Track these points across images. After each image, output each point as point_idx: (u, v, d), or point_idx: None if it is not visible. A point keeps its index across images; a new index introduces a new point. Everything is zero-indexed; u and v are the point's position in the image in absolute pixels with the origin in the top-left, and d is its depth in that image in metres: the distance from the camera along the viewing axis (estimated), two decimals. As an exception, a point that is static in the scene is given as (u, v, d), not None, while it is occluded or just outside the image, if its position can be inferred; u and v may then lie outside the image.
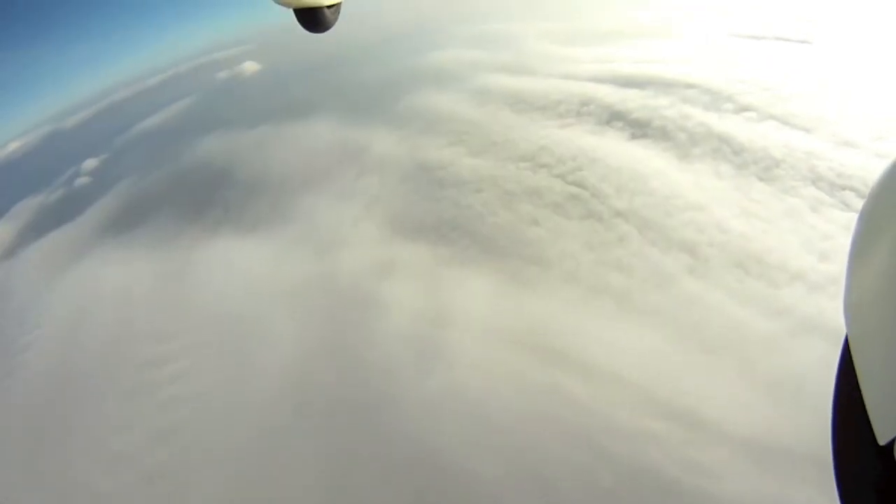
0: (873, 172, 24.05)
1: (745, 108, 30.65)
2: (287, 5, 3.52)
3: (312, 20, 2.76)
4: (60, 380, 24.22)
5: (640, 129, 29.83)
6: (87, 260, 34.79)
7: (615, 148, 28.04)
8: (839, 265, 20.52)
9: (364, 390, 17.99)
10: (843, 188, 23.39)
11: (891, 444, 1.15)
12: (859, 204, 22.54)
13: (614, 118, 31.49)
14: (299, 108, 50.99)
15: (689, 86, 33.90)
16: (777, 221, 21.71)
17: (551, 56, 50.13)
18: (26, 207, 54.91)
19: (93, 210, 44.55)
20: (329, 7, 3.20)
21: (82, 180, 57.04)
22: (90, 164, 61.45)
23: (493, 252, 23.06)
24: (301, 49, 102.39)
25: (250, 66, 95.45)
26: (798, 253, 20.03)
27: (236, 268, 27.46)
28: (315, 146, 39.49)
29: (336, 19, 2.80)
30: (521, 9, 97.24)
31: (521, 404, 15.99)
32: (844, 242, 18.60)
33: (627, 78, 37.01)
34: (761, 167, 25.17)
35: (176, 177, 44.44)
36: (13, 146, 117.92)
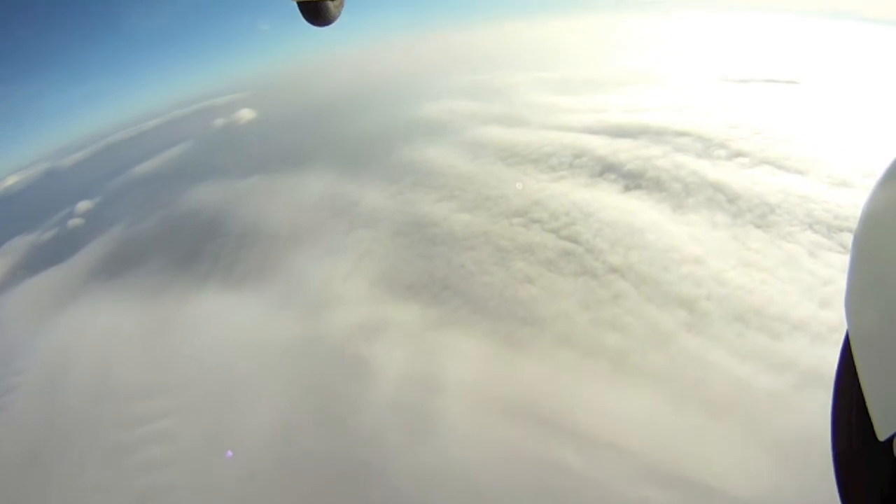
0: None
1: (737, 154, 31.29)
2: None
3: (316, 14, 2.81)
4: (40, 432, 23.84)
5: (633, 180, 30.37)
6: (75, 304, 34.92)
7: (609, 201, 28.48)
8: (840, 312, 20.41)
9: (350, 460, 17.76)
10: (841, 230, 23.71)
11: (890, 439, 1.21)
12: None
13: (607, 170, 32.09)
14: (293, 159, 51.98)
15: (682, 133, 34.69)
16: (776, 270, 21.91)
17: (544, 106, 51.47)
18: (19, 245, 56.16)
19: (84, 253, 45.17)
20: (333, 0, 3.27)
21: (75, 221, 58.22)
22: (84, 205, 63.00)
23: (485, 313, 23.05)
24: (296, 97, 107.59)
25: (246, 114, 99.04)
26: (798, 302, 20.17)
27: (223, 324, 27.37)
28: (307, 199, 39.91)
29: (339, 13, 2.85)
30: (514, 58, 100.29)
31: (513, 476, 15.73)
32: (845, 287, 18.85)
33: (620, 128, 37.90)
34: (757, 214, 25.55)
35: (167, 225, 44.87)
36: (11, 180, 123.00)
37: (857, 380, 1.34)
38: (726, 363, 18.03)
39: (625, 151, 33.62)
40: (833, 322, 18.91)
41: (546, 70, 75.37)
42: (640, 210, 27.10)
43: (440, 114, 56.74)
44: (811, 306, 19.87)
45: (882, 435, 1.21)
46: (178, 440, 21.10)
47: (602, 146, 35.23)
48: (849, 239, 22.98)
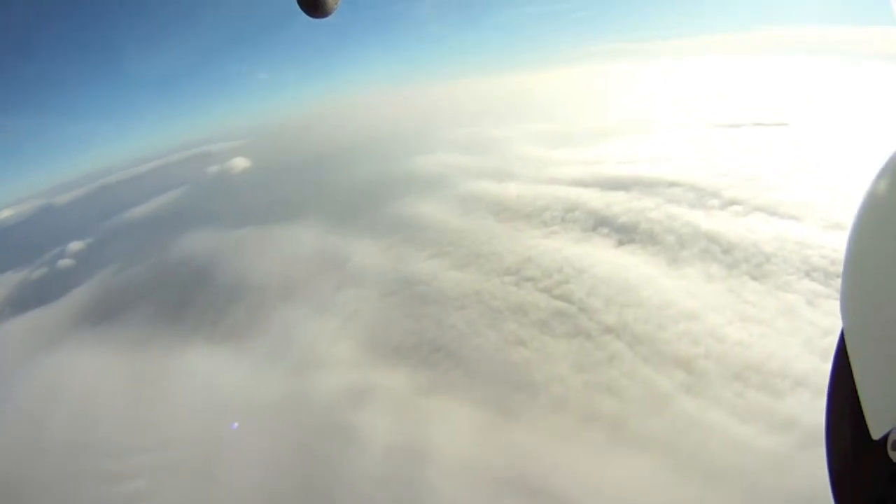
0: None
1: (731, 203, 31.83)
2: None
3: (313, 4, 2.69)
4: (14, 483, 23.22)
5: (626, 234, 30.84)
6: (59, 349, 34.74)
7: (602, 256, 28.84)
8: None
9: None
10: (838, 276, 23.73)
11: (884, 438, 1.23)
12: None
13: (600, 224, 32.59)
14: (285, 210, 52.76)
15: (674, 184, 35.39)
16: (774, 322, 22.01)
17: (535, 159, 52.62)
18: (9, 281, 57.28)
19: (73, 295, 45.57)
20: None
21: (66, 262, 59.40)
22: (76, 246, 64.39)
23: (476, 377, 22.89)
24: (291, 147, 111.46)
25: (240, 163, 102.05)
26: (799, 355, 20.19)
27: (208, 382, 27.12)
28: (297, 253, 40.11)
29: (337, 5, 2.73)
30: (506, 110, 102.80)
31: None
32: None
33: (612, 180, 38.66)
34: (753, 264, 25.83)
35: (157, 273, 45.19)
36: (5, 213, 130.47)
37: (852, 378, 1.38)
38: (726, 425, 17.92)
39: (617, 204, 34.23)
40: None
41: (538, 122, 77.31)
42: (634, 265, 27.41)
43: (433, 167, 57.85)
44: (812, 359, 19.87)
45: (876, 433, 1.25)
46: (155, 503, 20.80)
47: (594, 199, 35.86)
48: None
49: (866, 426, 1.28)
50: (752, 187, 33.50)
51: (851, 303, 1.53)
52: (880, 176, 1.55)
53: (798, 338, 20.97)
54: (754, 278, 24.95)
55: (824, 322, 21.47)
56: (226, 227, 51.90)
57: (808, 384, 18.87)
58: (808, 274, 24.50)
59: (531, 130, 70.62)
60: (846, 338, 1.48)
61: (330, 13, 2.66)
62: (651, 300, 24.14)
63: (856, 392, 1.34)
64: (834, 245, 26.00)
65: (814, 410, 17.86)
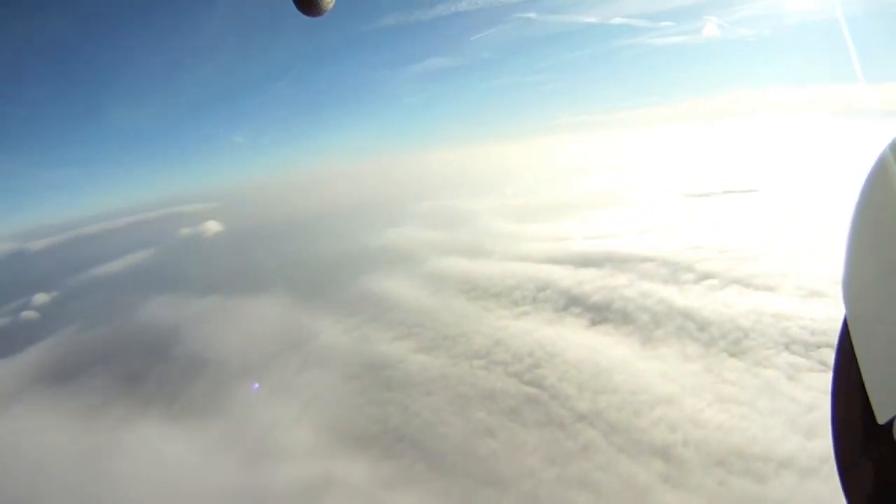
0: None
1: (705, 276, 32.60)
2: None
3: (308, 3, 2.75)
4: None
5: (599, 313, 31.22)
6: (11, 408, 34.35)
7: (574, 338, 29.04)
8: (828, 440, 20.44)
9: None
10: (818, 346, 24.38)
11: (890, 423, 1.23)
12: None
13: (572, 303, 32.99)
14: (252, 280, 53.20)
15: (647, 259, 36.23)
16: (755, 402, 22.18)
17: (506, 234, 53.67)
18: None
19: (33, 351, 45.89)
20: None
21: (29, 314, 60.75)
22: (41, 298, 66.24)
23: (441, 470, 22.35)
24: (263, 214, 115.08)
25: (212, 226, 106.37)
26: (782, 435, 20.27)
27: (160, 460, 26.36)
28: (261, 328, 39.85)
29: (331, 4, 2.80)
30: (477, 182, 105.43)
31: None
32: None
33: (583, 256, 39.44)
34: (730, 341, 26.24)
35: (119, 337, 44.75)
36: None
37: (856, 364, 1.39)
38: (710, 518, 17.74)
39: (589, 282, 34.79)
40: (822, 453, 18.91)
41: (508, 195, 79.29)
42: (607, 347, 27.63)
43: (403, 241, 58.74)
44: (796, 438, 19.97)
45: (881, 418, 1.25)
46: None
47: (566, 277, 36.41)
48: (828, 355, 23.55)
49: (871, 411, 1.29)
50: (725, 259, 34.45)
51: (853, 289, 1.55)
52: (881, 158, 1.55)
53: (780, 417, 21.14)
54: (732, 355, 25.29)
55: (806, 397, 21.76)
56: (192, 295, 52.35)
57: (794, 465, 18.91)
58: (787, 347, 24.96)
59: (501, 203, 72.61)
60: (849, 325, 1.49)
61: (324, 12, 2.75)
62: (625, 385, 24.21)
63: (860, 377, 1.36)
64: (812, 315, 26.70)
65: (801, 493, 17.85)
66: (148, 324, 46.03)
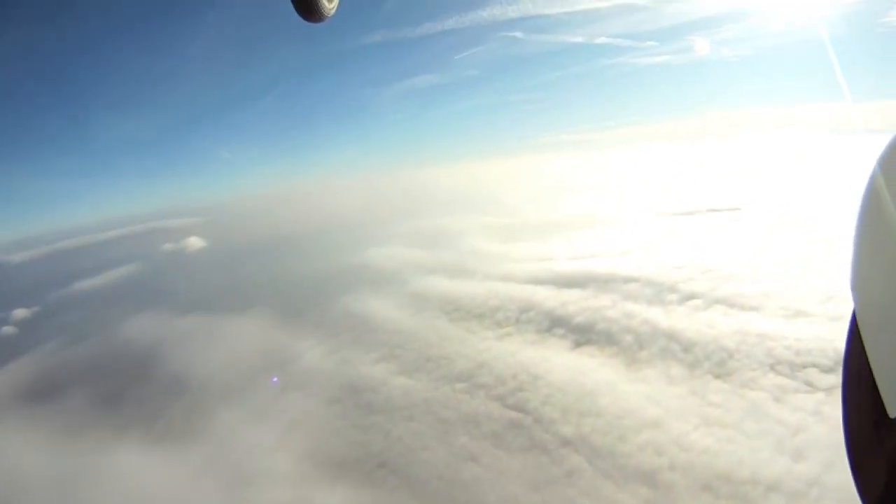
0: (831, 341, 25.33)
1: (689, 297, 32.66)
2: None
3: (309, 8, 2.77)
4: None
5: (583, 334, 31.12)
6: None
7: (558, 360, 28.87)
8: (816, 462, 20.71)
9: None
10: (804, 366, 24.41)
11: None
12: (823, 381, 23.46)
13: (556, 324, 32.89)
14: (234, 299, 53.20)
15: (630, 279, 36.29)
16: (741, 425, 22.07)
17: (490, 255, 53.65)
18: None
19: (11, 369, 45.70)
20: None
21: (9, 329, 60.95)
22: (21, 313, 66.36)
23: (424, 498, 21.97)
24: (247, 230, 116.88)
25: (195, 243, 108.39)
26: (770, 458, 20.16)
27: (137, 486, 25.93)
28: (242, 348, 39.49)
29: (333, 10, 2.86)
30: (460, 201, 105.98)
31: None
32: (818, 432, 18.76)
33: (567, 277, 39.45)
34: (715, 362, 26.20)
35: (99, 356, 44.35)
36: None
37: (865, 358, 1.38)
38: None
39: (573, 303, 34.73)
40: (810, 475, 18.84)
41: (491, 214, 79.68)
42: (591, 369, 27.47)
43: (386, 260, 58.93)
44: (784, 461, 19.87)
45: (893, 412, 1.25)
46: None
47: (549, 298, 36.34)
48: (814, 374, 23.69)
49: (882, 405, 1.29)
50: (709, 279, 34.58)
51: (862, 283, 1.55)
52: (887, 151, 1.54)
53: (767, 439, 21.06)
54: (717, 377, 25.24)
55: (793, 419, 21.70)
56: (173, 313, 52.35)
57: (782, 489, 18.81)
58: (772, 368, 24.96)
59: (485, 222, 72.93)
60: (858, 318, 1.49)
61: (326, 18, 2.80)
62: (610, 408, 24.02)
63: (870, 371, 1.35)
64: (797, 334, 26.80)
65: (790, 518, 17.74)
66: (128, 342, 45.85)
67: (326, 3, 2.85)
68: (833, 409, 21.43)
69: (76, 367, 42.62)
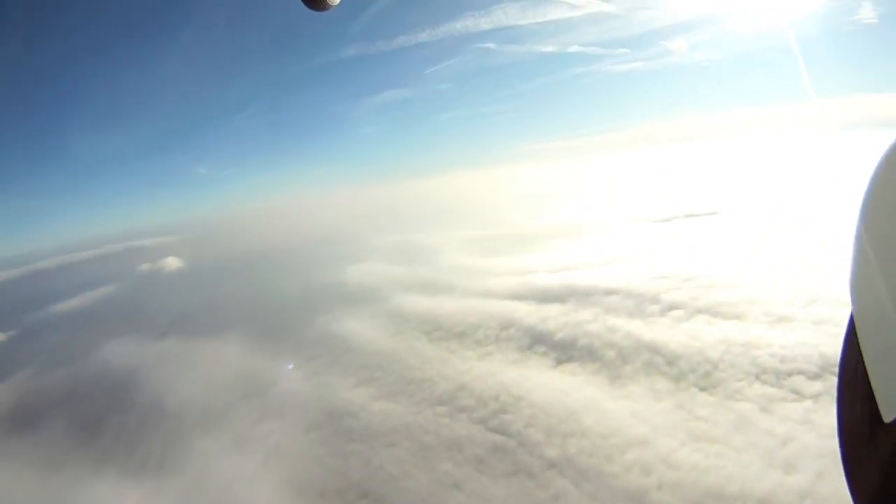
0: (816, 346, 25.38)
1: (671, 307, 32.64)
2: None
3: None
4: None
5: (564, 351, 30.88)
6: None
7: (540, 379, 28.56)
8: (807, 473, 20.57)
9: None
10: (790, 374, 24.38)
11: None
12: (810, 387, 23.39)
13: (537, 342, 32.64)
14: (212, 320, 52.65)
15: (611, 291, 36.25)
16: (729, 439, 21.89)
17: (468, 269, 53.60)
18: None
19: None
20: None
21: None
22: None
23: (406, 531, 21.54)
24: (224, 248, 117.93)
25: (172, 262, 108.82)
26: (761, 472, 19.98)
27: None
28: (220, 373, 38.90)
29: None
30: (437, 214, 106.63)
31: None
32: (807, 441, 18.61)
33: (546, 291, 39.33)
34: (700, 374, 26.08)
35: (77, 382, 43.46)
36: None
37: (862, 362, 1.38)
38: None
39: (553, 318, 34.56)
40: (802, 488, 18.69)
41: (468, 227, 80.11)
42: (574, 387, 27.20)
43: (364, 277, 58.80)
44: (775, 474, 19.71)
45: (887, 416, 1.25)
46: None
47: (530, 314, 36.16)
48: (800, 382, 23.67)
49: (878, 410, 1.28)
50: (690, 287, 34.65)
51: (861, 286, 1.52)
52: (889, 152, 1.52)
53: (756, 452, 20.89)
54: (703, 389, 25.10)
55: (782, 429, 21.59)
56: (151, 336, 52.25)
57: (773, 503, 18.60)
58: (758, 377, 24.91)
59: (463, 236, 73.20)
60: (856, 322, 1.48)
61: (330, 7, 2.82)
62: (595, 428, 23.69)
63: (866, 375, 1.35)
64: (781, 342, 26.84)
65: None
66: (106, 367, 45.30)
67: None
68: (822, 417, 21.41)
69: (53, 395, 41.87)
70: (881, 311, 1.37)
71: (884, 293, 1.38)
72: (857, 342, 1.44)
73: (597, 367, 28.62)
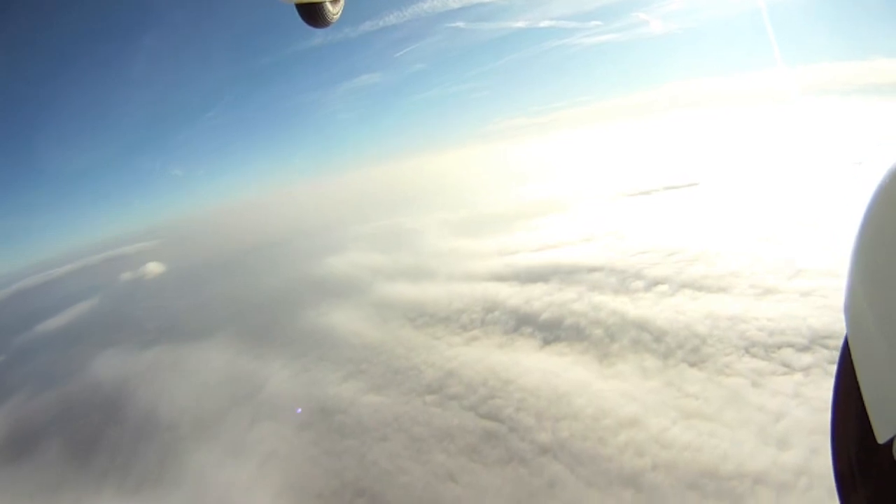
0: (804, 318, 25.30)
1: (655, 282, 32.49)
2: (289, 0, 3.52)
3: (314, 15, 2.87)
4: None
5: (551, 331, 30.64)
6: None
7: (528, 362, 28.26)
8: (801, 448, 20.51)
9: None
10: (779, 346, 24.28)
11: (890, 442, 1.24)
12: (799, 360, 23.27)
13: (522, 323, 32.38)
14: (197, 325, 52.03)
15: (594, 269, 36.04)
16: (721, 415, 21.76)
17: (451, 252, 53.27)
18: None
19: None
20: (332, 1, 3.29)
21: None
22: None
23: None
24: (204, 248, 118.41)
25: (154, 268, 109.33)
26: (754, 448, 19.85)
27: None
28: (209, 379, 38.40)
29: (338, 14, 2.95)
30: (416, 197, 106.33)
31: None
32: (799, 415, 18.47)
33: (529, 271, 39.06)
34: (688, 349, 25.94)
35: (69, 402, 42.74)
36: None
37: (856, 383, 1.39)
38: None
39: (538, 298, 34.32)
40: (797, 464, 18.57)
41: (448, 209, 79.65)
42: (563, 368, 26.94)
43: (345, 268, 58.59)
44: (769, 451, 19.58)
45: (882, 437, 1.26)
46: None
47: (514, 295, 35.89)
48: (789, 355, 23.56)
49: (872, 430, 1.29)
50: (674, 262, 34.55)
51: (855, 307, 1.53)
52: (886, 180, 1.55)
53: (749, 428, 20.76)
54: (692, 365, 24.96)
55: (773, 404, 21.47)
56: (138, 345, 51.52)
57: (769, 481, 18.49)
58: (747, 351, 24.82)
59: (441, 218, 72.89)
60: (850, 343, 1.50)
61: (330, 24, 2.98)
62: (586, 409, 23.45)
63: (860, 396, 1.36)
64: (768, 314, 26.76)
65: (779, 512, 17.43)
66: (96, 383, 44.53)
67: (331, 9, 2.99)
68: (813, 391, 21.33)
69: (46, 419, 41.10)
70: (875, 333, 1.38)
71: (878, 316, 1.39)
72: (852, 364, 1.44)
73: (584, 347, 28.38)
